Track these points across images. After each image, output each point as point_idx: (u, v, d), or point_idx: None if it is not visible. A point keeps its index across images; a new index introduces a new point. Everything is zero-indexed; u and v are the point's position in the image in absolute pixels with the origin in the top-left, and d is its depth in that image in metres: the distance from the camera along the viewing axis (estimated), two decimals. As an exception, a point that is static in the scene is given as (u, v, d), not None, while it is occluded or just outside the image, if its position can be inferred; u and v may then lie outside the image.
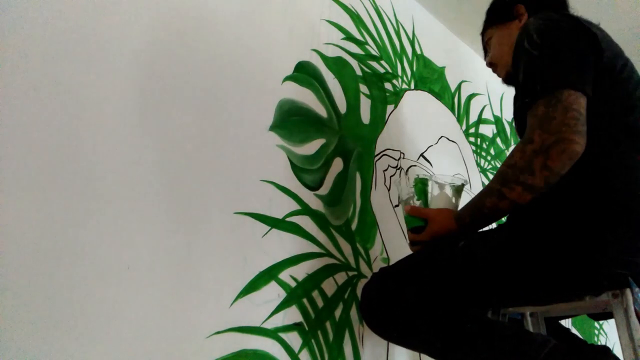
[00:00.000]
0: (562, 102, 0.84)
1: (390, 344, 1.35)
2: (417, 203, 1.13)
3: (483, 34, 1.31)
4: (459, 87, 2.11)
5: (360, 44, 1.61)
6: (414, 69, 1.86)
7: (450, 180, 1.12)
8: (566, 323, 1.89)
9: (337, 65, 1.48)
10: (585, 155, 0.86)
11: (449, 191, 1.11)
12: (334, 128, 1.40)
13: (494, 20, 1.26)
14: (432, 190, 1.13)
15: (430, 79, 1.93)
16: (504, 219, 1.05)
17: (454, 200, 1.11)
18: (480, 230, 1.01)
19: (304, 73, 1.36)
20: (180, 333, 0.94)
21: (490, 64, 1.28)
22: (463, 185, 1.14)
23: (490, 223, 0.98)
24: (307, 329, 1.16)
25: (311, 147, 1.31)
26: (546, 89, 0.86)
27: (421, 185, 1.14)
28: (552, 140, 0.83)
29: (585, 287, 0.90)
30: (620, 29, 1.97)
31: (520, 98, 0.92)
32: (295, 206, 1.23)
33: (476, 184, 1.99)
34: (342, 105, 1.46)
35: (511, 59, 1.05)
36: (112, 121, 0.94)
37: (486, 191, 0.94)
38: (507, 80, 1.24)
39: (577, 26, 0.94)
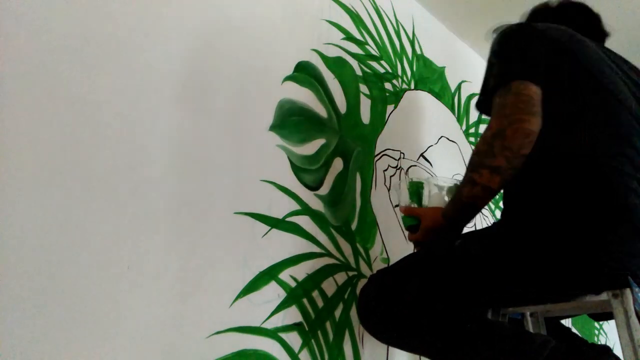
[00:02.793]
0: (512, 90, 0.92)
1: (390, 344, 1.34)
2: (413, 204, 1.18)
3: None
4: (459, 87, 2.11)
5: (360, 44, 1.61)
6: (414, 69, 1.86)
7: (443, 182, 1.18)
8: (566, 323, 1.89)
9: (337, 65, 1.48)
10: (581, 156, 0.86)
11: (442, 192, 1.17)
12: (334, 128, 1.40)
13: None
14: (428, 192, 1.18)
15: (430, 79, 1.93)
16: (498, 216, 1.06)
17: (447, 200, 1.15)
18: (479, 228, 1.02)
19: (304, 73, 1.36)
20: (180, 333, 0.94)
21: None
22: (456, 185, 1.16)
23: (473, 214, 1.00)
24: (307, 329, 1.16)
25: (311, 147, 1.31)
26: (499, 83, 0.95)
27: (415, 188, 1.19)
28: (506, 122, 0.89)
29: (585, 287, 0.90)
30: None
31: (479, 96, 1.01)
32: (295, 206, 1.23)
33: (476, 184, 1.98)
34: (342, 105, 1.46)
35: None
36: (112, 121, 0.94)
37: (462, 181, 0.99)
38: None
39: (529, 30, 1.02)
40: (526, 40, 1.00)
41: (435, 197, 1.17)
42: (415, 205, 1.18)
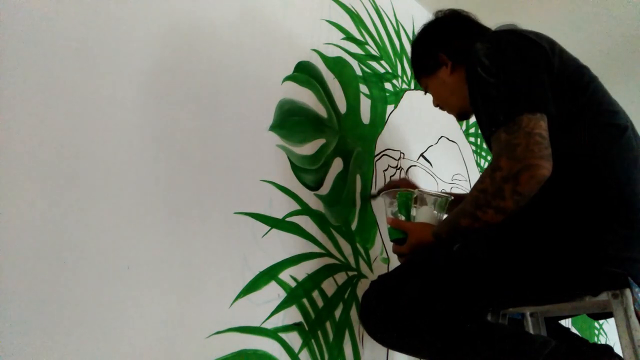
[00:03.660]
0: (522, 128, 0.86)
1: (390, 344, 1.34)
2: (401, 216, 1.17)
3: (418, 80, 1.34)
4: (459, 87, 2.10)
5: (360, 44, 1.61)
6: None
7: (433, 195, 1.16)
8: (566, 323, 1.89)
9: (337, 65, 1.48)
10: (580, 155, 0.86)
11: (432, 206, 1.15)
12: (334, 128, 1.40)
13: (422, 72, 1.29)
14: (417, 204, 1.17)
15: (430, 79, 1.93)
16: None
17: (436, 215, 1.15)
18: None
19: (304, 73, 1.36)
20: (180, 333, 0.94)
21: (437, 106, 1.32)
22: (447, 200, 1.16)
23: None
24: (307, 329, 1.16)
25: (311, 147, 1.31)
26: (506, 116, 0.88)
27: (404, 199, 1.18)
28: (519, 167, 0.85)
29: (585, 287, 0.90)
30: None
31: (487, 127, 0.94)
32: (295, 206, 1.23)
33: (476, 184, 1.98)
34: (342, 105, 1.46)
35: (456, 101, 1.20)
36: (112, 121, 0.94)
37: (461, 212, 0.96)
38: (460, 117, 1.28)
39: (523, 42, 0.96)
40: (525, 55, 0.94)
41: (423, 211, 1.15)
42: (403, 218, 1.17)
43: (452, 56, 1.19)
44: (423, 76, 1.29)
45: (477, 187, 0.93)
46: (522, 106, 0.88)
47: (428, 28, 1.28)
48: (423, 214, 1.15)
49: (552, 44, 0.99)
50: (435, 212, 1.15)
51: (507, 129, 0.88)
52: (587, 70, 1.01)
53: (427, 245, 1.04)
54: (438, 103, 1.30)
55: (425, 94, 1.35)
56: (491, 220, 0.90)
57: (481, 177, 0.93)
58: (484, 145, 2.15)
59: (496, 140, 0.90)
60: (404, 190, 1.19)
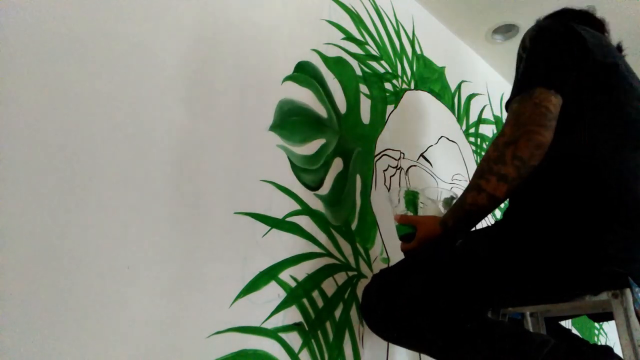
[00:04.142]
0: (532, 98, 0.91)
1: (391, 344, 1.34)
2: (409, 213, 1.16)
3: None
4: (459, 87, 2.10)
5: (360, 44, 1.61)
6: (414, 69, 1.86)
7: (440, 193, 1.18)
8: (566, 323, 1.89)
9: (337, 65, 1.48)
10: (581, 156, 0.87)
11: (438, 204, 1.16)
12: (334, 128, 1.40)
13: None
14: (424, 202, 1.17)
15: (430, 79, 1.93)
16: (498, 216, 1.07)
17: (443, 212, 1.15)
18: (479, 228, 1.02)
19: (304, 73, 1.36)
20: (180, 333, 0.94)
21: None
22: (452, 198, 1.16)
23: (473, 223, 0.99)
24: (307, 329, 1.16)
25: (311, 147, 1.31)
26: (522, 87, 0.94)
27: (411, 197, 1.18)
28: (520, 132, 0.89)
29: (585, 287, 0.90)
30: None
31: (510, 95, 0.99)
32: (295, 206, 1.23)
33: (476, 184, 1.98)
34: (342, 105, 1.46)
35: None
36: (112, 121, 0.94)
37: (467, 187, 0.98)
38: None
39: (564, 29, 1.00)
40: (559, 42, 0.98)
41: (430, 207, 1.15)
42: (411, 214, 1.16)
43: None
44: None
45: (483, 158, 0.96)
46: (538, 80, 0.92)
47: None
48: (430, 211, 1.15)
49: (596, 36, 1.01)
50: (441, 208, 1.16)
51: (520, 99, 0.93)
52: (625, 71, 1.00)
53: (435, 237, 1.04)
54: None
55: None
56: (494, 191, 0.91)
57: (488, 147, 0.96)
58: (484, 145, 2.15)
59: (509, 110, 0.95)
60: (409, 189, 1.19)
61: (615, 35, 1.18)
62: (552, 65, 0.94)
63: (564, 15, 1.19)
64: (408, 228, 1.11)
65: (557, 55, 0.96)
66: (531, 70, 0.95)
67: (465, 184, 1.91)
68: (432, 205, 1.16)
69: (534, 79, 0.93)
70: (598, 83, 0.95)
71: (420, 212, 1.16)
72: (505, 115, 0.99)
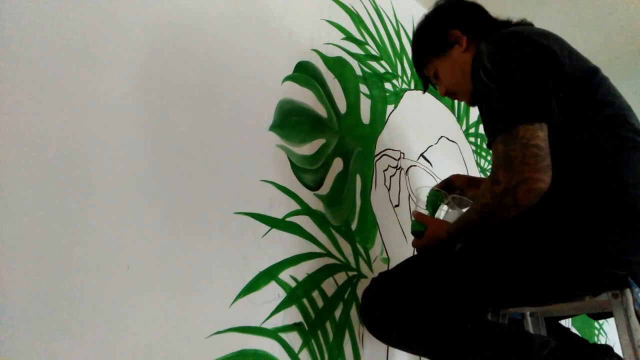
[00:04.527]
0: (519, 139, 0.85)
1: (390, 344, 1.34)
2: (426, 212, 1.21)
3: (423, 67, 1.25)
4: (459, 87, 2.10)
5: (360, 44, 1.61)
6: (414, 69, 1.86)
7: (465, 202, 1.21)
8: (566, 323, 1.89)
9: (337, 65, 1.48)
10: (581, 156, 0.86)
11: (457, 211, 1.20)
12: (334, 128, 1.40)
13: (432, 52, 1.20)
14: (449, 206, 1.22)
15: (430, 79, 1.93)
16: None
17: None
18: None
19: (304, 73, 1.36)
20: (180, 333, 0.94)
21: (446, 93, 1.22)
22: None
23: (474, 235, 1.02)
24: (307, 329, 1.16)
25: (311, 147, 1.31)
26: (503, 126, 0.87)
27: (434, 198, 1.22)
28: (516, 180, 0.85)
29: (585, 287, 0.90)
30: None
31: (488, 134, 0.93)
32: (295, 206, 1.23)
33: (476, 184, 1.99)
34: (342, 105, 1.46)
35: (468, 84, 1.05)
36: (112, 121, 0.94)
37: (469, 220, 0.99)
38: (473, 103, 1.18)
39: (529, 46, 0.93)
40: (527, 61, 0.90)
41: (452, 214, 1.19)
42: (428, 214, 1.20)
43: (466, 31, 1.13)
44: (433, 58, 1.19)
45: (480, 201, 0.93)
46: (520, 116, 0.86)
47: (436, 10, 1.22)
48: (450, 216, 1.19)
49: (561, 44, 0.97)
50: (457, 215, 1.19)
51: (504, 140, 0.87)
52: (598, 71, 0.98)
53: (440, 240, 1.06)
54: (448, 88, 1.20)
55: (424, 92, 1.34)
56: (496, 224, 0.93)
57: (482, 189, 0.93)
58: (484, 145, 2.15)
59: (494, 150, 0.90)
60: (435, 191, 1.23)
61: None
62: (531, 96, 0.87)
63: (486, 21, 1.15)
64: (420, 226, 1.15)
65: (532, 79, 0.89)
66: (508, 105, 0.88)
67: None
68: (454, 212, 1.20)
69: (513, 116, 0.86)
70: (583, 88, 0.93)
71: (441, 215, 1.21)
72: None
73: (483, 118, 0.98)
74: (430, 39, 1.21)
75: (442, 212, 1.22)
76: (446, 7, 1.21)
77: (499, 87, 0.90)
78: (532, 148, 0.84)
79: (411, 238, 1.20)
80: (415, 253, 1.22)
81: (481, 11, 1.18)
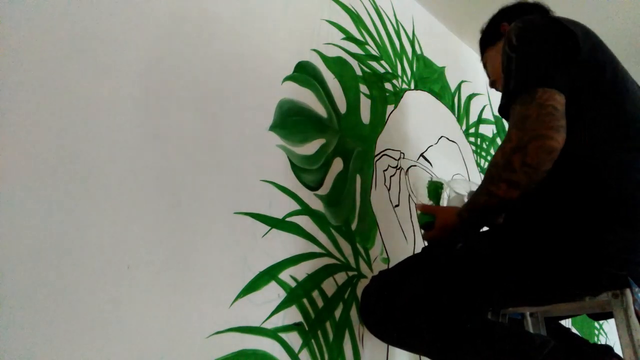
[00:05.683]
0: (536, 99, 0.86)
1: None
2: (431, 203, 1.21)
3: (482, 59, 1.37)
4: (459, 87, 2.11)
5: (360, 44, 1.61)
6: (414, 69, 1.86)
7: (464, 186, 1.21)
8: (566, 323, 1.89)
9: (337, 65, 1.48)
10: (581, 156, 0.86)
11: (463, 197, 1.19)
12: (334, 128, 1.40)
13: (486, 43, 1.33)
14: (447, 194, 1.22)
15: (430, 79, 1.93)
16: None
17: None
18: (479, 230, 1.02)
19: (304, 73, 1.36)
20: (180, 333, 0.94)
21: (491, 84, 1.33)
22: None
23: (488, 220, 1.00)
24: (307, 329, 1.16)
25: (311, 147, 1.31)
26: (521, 88, 0.89)
27: (434, 187, 1.23)
28: (528, 137, 0.84)
29: (585, 287, 0.90)
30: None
31: (504, 100, 0.94)
32: (295, 206, 1.23)
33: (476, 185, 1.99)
34: (342, 105, 1.46)
35: None
36: (112, 121, 0.94)
37: (479, 190, 0.97)
38: None
39: (552, 25, 0.97)
40: (550, 37, 0.94)
41: (455, 199, 1.19)
42: (432, 204, 1.20)
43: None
44: (487, 48, 1.32)
45: (491, 162, 0.93)
46: (538, 80, 0.87)
47: (502, 7, 1.32)
48: (454, 201, 1.19)
49: (587, 32, 0.98)
50: (465, 200, 1.18)
51: (521, 101, 0.88)
52: (618, 66, 0.98)
53: (452, 224, 1.04)
54: (490, 77, 1.32)
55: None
56: (505, 196, 0.89)
57: (495, 151, 0.93)
58: (484, 145, 2.15)
59: (512, 113, 0.90)
60: (433, 180, 1.23)
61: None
62: (549, 64, 0.90)
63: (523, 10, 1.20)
64: (428, 217, 1.14)
65: (551, 52, 0.91)
66: (528, 70, 0.90)
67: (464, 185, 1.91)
68: (457, 198, 1.19)
69: (532, 79, 0.88)
70: (593, 82, 0.93)
71: (445, 203, 1.20)
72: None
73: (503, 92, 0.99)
74: (486, 31, 1.33)
75: (445, 200, 1.21)
76: (511, 5, 1.30)
77: (519, 53, 0.93)
78: (548, 107, 0.84)
79: (411, 238, 1.20)
80: (423, 248, 1.20)
81: (544, 11, 1.22)
